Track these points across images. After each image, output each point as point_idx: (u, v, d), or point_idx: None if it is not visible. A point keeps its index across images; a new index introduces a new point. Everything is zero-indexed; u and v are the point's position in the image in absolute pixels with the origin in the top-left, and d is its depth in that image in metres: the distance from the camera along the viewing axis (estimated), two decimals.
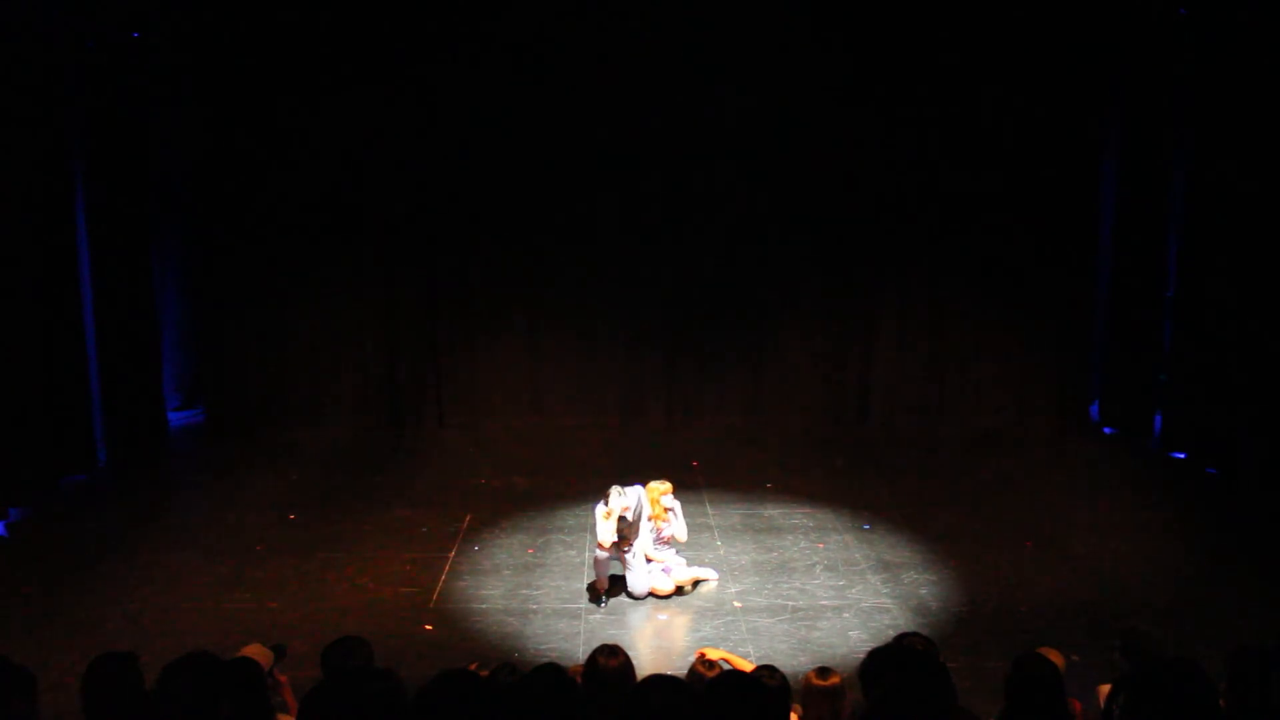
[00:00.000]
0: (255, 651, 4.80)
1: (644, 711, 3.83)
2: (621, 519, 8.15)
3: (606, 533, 8.10)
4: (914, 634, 5.07)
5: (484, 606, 8.21)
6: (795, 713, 4.82)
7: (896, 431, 12.89)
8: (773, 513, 10.18)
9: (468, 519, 10.01)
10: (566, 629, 7.81)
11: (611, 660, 4.58)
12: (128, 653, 4.46)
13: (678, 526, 8.57)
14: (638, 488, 8.38)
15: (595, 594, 8.26)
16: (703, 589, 8.50)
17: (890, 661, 4.53)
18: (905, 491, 10.81)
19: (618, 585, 8.37)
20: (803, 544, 9.39)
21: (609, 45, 12.38)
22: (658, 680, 4.03)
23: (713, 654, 5.65)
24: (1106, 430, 12.88)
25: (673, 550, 8.60)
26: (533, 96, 12.49)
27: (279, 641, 5.31)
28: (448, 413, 13.10)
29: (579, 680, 4.62)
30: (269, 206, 12.61)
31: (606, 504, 8.15)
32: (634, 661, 4.69)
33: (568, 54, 12.42)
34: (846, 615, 8.00)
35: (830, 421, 13.07)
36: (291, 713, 4.80)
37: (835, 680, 4.86)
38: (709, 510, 10.17)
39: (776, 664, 4.62)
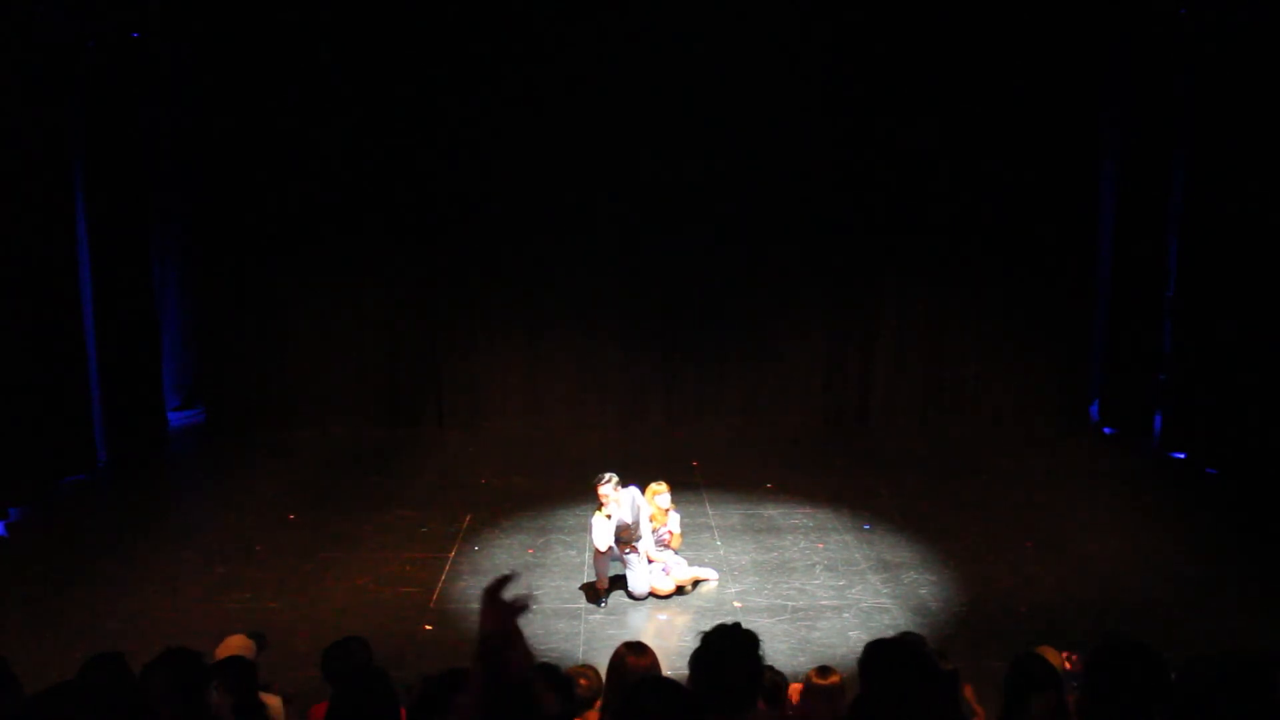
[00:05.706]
0: (237, 642, 4.75)
1: (638, 715, 3.76)
2: (622, 523, 8.15)
3: (604, 537, 8.09)
4: (908, 633, 5.07)
5: None
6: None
7: (896, 431, 12.89)
8: (773, 513, 10.18)
9: (468, 519, 10.01)
10: (566, 629, 7.81)
11: (642, 660, 4.42)
12: (115, 653, 4.44)
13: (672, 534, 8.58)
14: (633, 489, 8.36)
15: (595, 594, 8.26)
16: (703, 589, 8.49)
17: (883, 655, 4.51)
18: (905, 491, 10.80)
19: (618, 585, 8.38)
20: (803, 544, 9.39)
21: (609, 48, 12.40)
22: (653, 682, 3.98)
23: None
24: (1106, 430, 12.87)
25: (672, 550, 8.59)
26: (533, 98, 12.50)
27: (257, 629, 5.21)
28: (448, 413, 13.10)
29: (578, 679, 4.59)
30: (269, 206, 12.62)
31: (598, 491, 8.14)
32: None
33: (567, 57, 12.44)
34: (846, 615, 8.00)
35: (830, 421, 13.08)
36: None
37: (835, 680, 4.86)
38: (709, 510, 10.16)
39: (776, 664, 4.60)
